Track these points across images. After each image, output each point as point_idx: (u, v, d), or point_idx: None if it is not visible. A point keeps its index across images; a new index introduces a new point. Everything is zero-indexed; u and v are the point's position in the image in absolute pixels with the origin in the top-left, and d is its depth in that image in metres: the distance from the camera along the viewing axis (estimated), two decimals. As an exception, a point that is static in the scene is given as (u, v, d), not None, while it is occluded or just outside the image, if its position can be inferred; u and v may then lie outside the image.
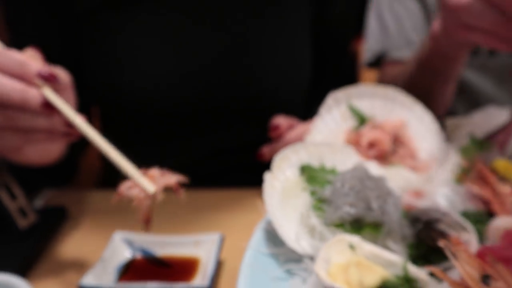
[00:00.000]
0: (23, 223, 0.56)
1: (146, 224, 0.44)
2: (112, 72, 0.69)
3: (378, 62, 0.93)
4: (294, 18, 0.76)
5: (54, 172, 0.64)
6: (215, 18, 0.70)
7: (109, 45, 0.69)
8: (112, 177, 0.67)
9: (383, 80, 0.90)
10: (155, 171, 0.44)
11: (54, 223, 0.60)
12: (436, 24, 0.62)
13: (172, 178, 0.45)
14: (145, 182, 0.42)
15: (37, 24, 0.70)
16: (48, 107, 0.45)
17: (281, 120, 0.63)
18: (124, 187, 0.43)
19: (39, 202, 0.67)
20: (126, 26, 0.69)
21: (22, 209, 0.57)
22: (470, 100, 0.88)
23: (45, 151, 0.49)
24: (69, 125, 0.47)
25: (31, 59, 0.46)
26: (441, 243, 0.35)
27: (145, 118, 0.72)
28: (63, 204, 0.64)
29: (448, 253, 0.34)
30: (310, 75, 0.79)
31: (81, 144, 0.51)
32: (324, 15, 0.81)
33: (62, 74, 0.49)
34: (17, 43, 0.49)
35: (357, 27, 0.98)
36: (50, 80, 0.45)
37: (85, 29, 0.69)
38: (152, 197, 0.42)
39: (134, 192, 0.43)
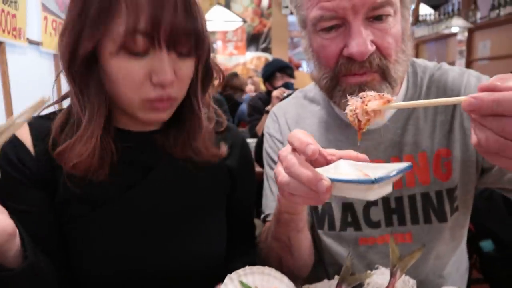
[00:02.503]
0: None
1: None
2: (83, 254, 0.96)
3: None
4: (216, 217, 1.13)
5: None
6: (157, 224, 1.02)
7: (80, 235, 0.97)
8: None
9: (263, 230, 1.27)
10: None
11: None
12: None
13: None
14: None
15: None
16: None
17: None
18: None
19: None
20: (89, 222, 0.96)
21: None
22: (330, 263, 1.25)
23: None
24: None
25: None
26: None
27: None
28: None
29: None
30: (225, 246, 1.13)
31: None
32: (232, 204, 1.18)
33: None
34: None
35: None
36: None
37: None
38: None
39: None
